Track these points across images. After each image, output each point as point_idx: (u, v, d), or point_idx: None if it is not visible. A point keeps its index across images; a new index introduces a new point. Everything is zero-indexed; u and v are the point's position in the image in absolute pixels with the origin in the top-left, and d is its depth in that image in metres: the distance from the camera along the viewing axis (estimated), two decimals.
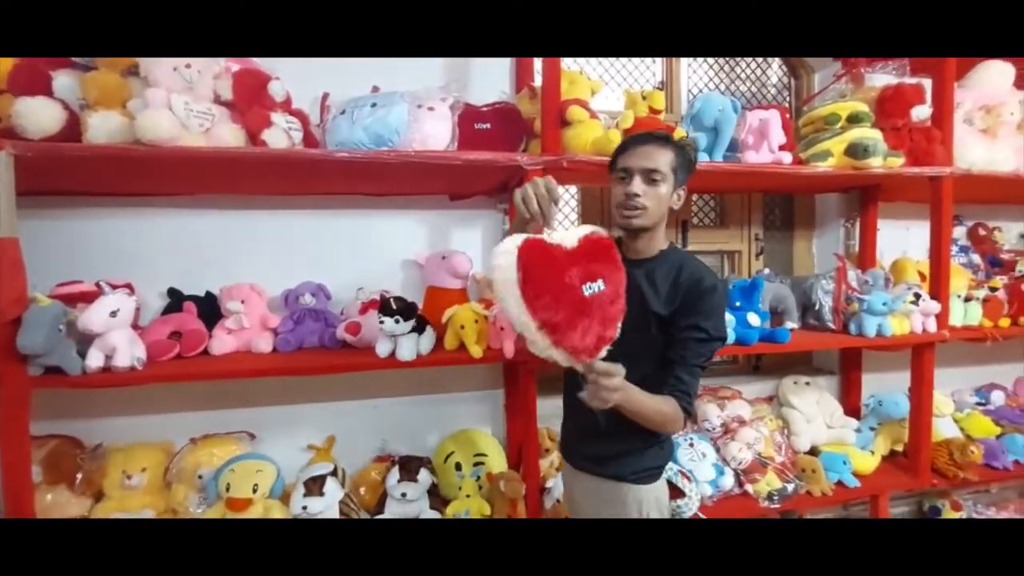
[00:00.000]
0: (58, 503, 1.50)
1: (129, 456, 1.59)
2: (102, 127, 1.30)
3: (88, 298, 1.40)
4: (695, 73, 2.31)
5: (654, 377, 1.06)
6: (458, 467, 1.72)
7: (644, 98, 1.62)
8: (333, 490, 1.51)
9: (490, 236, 1.87)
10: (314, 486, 1.50)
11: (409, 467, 1.61)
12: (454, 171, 1.52)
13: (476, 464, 1.74)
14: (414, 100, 1.55)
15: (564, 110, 1.53)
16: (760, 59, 2.41)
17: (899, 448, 2.14)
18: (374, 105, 1.50)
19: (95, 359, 1.33)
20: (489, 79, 1.85)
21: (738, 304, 1.79)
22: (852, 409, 2.22)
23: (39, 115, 1.28)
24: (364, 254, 1.77)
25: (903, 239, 2.28)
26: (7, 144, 1.23)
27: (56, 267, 1.50)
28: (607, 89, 1.91)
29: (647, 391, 1.01)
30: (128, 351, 1.36)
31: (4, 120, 1.29)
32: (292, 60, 1.63)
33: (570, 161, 1.50)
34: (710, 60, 2.35)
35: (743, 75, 2.41)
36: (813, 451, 2.03)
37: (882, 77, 2.10)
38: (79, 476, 1.55)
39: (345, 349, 1.60)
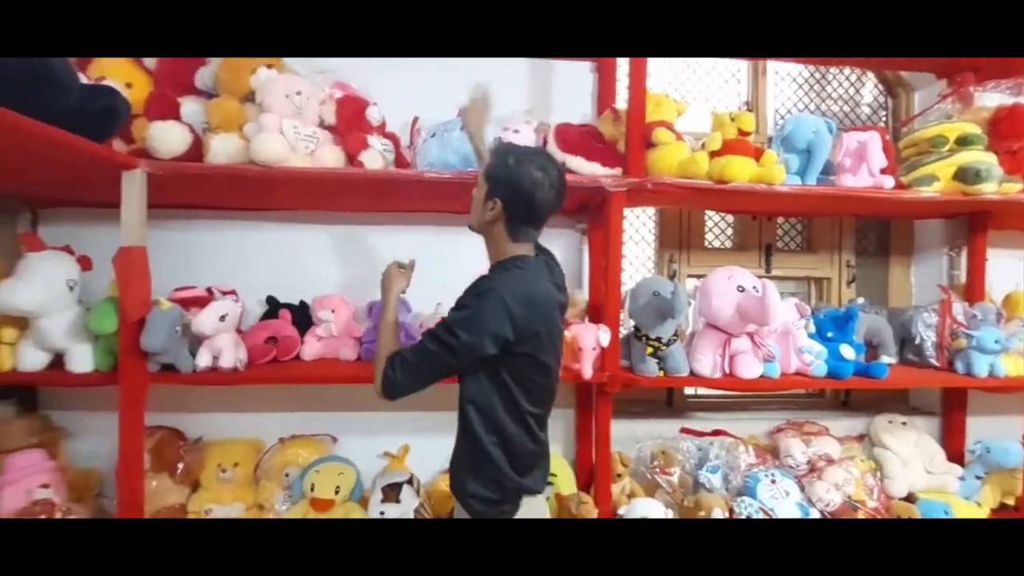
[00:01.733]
0: (161, 490, 1.63)
1: (224, 451, 1.71)
2: (222, 149, 1.43)
3: (200, 303, 1.53)
4: (782, 92, 2.23)
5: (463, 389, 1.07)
6: None
7: (732, 119, 1.58)
8: (409, 498, 1.56)
9: (567, 255, 1.88)
10: (391, 493, 1.55)
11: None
12: None
13: (545, 484, 1.73)
14: (500, 123, 1.60)
15: (649, 132, 1.53)
16: (853, 77, 2.29)
17: (1010, 501, 1.93)
18: (463, 128, 1.56)
19: (204, 359, 1.46)
20: (571, 102, 1.87)
21: (830, 335, 1.69)
22: (955, 454, 2.02)
23: (169, 137, 1.43)
24: (444, 269, 1.80)
25: (1016, 271, 2.08)
26: (141, 163, 1.38)
27: (171, 273, 1.65)
28: (691, 109, 1.88)
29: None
30: (233, 353, 1.48)
31: (139, 141, 1.45)
32: (385, 85, 1.75)
33: (655, 183, 1.49)
34: (798, 79, 2.26)
35: (834, 94, 2.30)
36: (909, 498, 1.87)
37: (994, 97, 1.94)
38: (180, 466, 1.68)
39: None
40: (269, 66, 1.50)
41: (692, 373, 1.58)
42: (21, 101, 0.95)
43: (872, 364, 1.69)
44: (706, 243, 2.13)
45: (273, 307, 1.74)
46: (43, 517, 1.39)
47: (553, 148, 1.57)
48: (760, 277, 1.58)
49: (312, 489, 1.56)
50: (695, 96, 2.19)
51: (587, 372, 1.49)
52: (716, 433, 1.86)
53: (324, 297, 1.71)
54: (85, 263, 1.49)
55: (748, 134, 1.59)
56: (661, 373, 1.57)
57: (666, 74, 2.16)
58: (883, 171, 1.65)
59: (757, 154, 1.57)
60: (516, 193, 1.03)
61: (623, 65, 1.89)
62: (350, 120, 1.54)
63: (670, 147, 1.51)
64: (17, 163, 1.23)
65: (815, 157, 1.64)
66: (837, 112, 2.29)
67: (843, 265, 2.16)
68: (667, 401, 2.08)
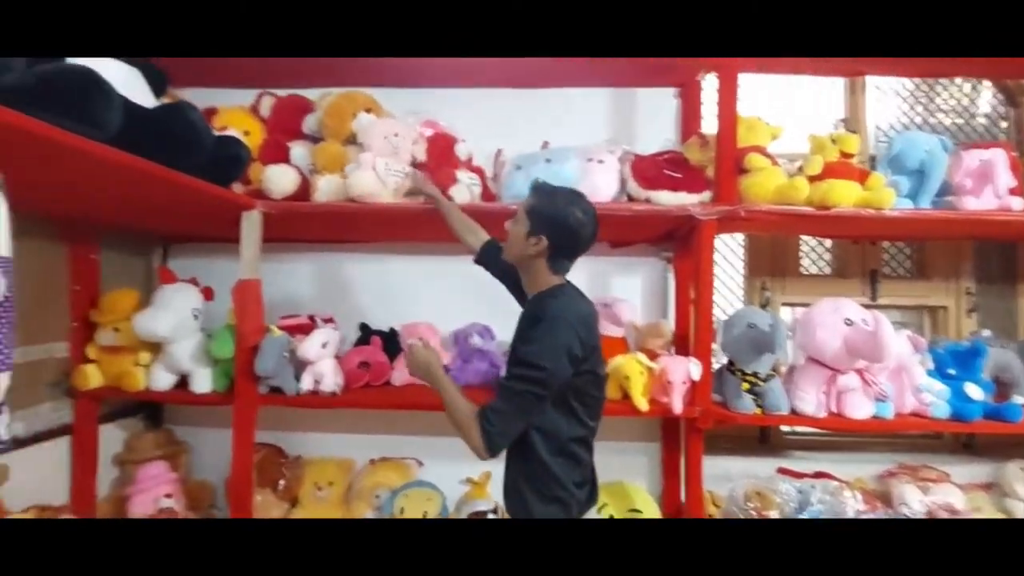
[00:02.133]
0: (264, 504, 1.74)
1: (320, 469, 1.81)
2: (326, 188, 1.55)
3: (303, 330, 1.65)
4: (884, 108, 2.09)
5: None
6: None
7: (834, 141, 1.50)
8: None
9: (651, 284, 1.85)
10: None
11: None
12: (621, 220, 1.54)
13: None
14: (584, 154, 1.61)
15: (741, 157, 1.48)
16: (967, 87, 2.10)
17: None
18: (548, 160, 1.59)
19: (307, 383, 1.56)
20: (653, 129, 1.86)
21: (951, 372, 1.53)
22: None
23: (281, 180, 1.56)
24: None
25: None
26: (258, 203, 1.52)
27: (274, 301, 1.78)
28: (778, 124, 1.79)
29: None
30: (332, 378, 1.57)
31: (254, 183, 1.60)
32: (470, 119, 1.83)
33: (748, 211, 1.43)
34: (902, 92, 2.11)
35: (944, 106, 2.12)
36: None
37: None
38: (281, 483, 1.79)
39: None
40: (368, 110, 1.61)
41: (793, 411, 1.48)
42: (173, 157, 1.08)
43: (1005, 405, 1.50)
44: (802, 269, 2.01)
45: (366, 334, 1.83)
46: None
47: (632, 185, 1.56)
48: (866, 306, 1.47)
49: (402, 512, 1.60)
50: (785, 115, 2.09)
51: (677, 407, 1.44)
52: (818, 475, 1.72)
53: (413, 325, 1.77)
54: (208, 294, 1.66)
55: (852, 156, 1.50)
56: (758, 410, 1.49)
57: (754, 96, 2.09)
58: (1012, 191, 1.49)
59: (862, 177, 1.47)
60: (561, 230, 1.08)
61: (707, 89, 1.87)
62: (439, 156, 1.62)
63: (765, 172, 1.45)
64: (161, 207, 1.40)
65: (929, 178, 1.51)
66: (949, 126, 2.10)
67: (961, 293, 1.95)
68: (760, 438, 1.96)
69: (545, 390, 1.01)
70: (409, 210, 1.52)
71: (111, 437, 1.76)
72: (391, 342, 1.80)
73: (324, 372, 1.56)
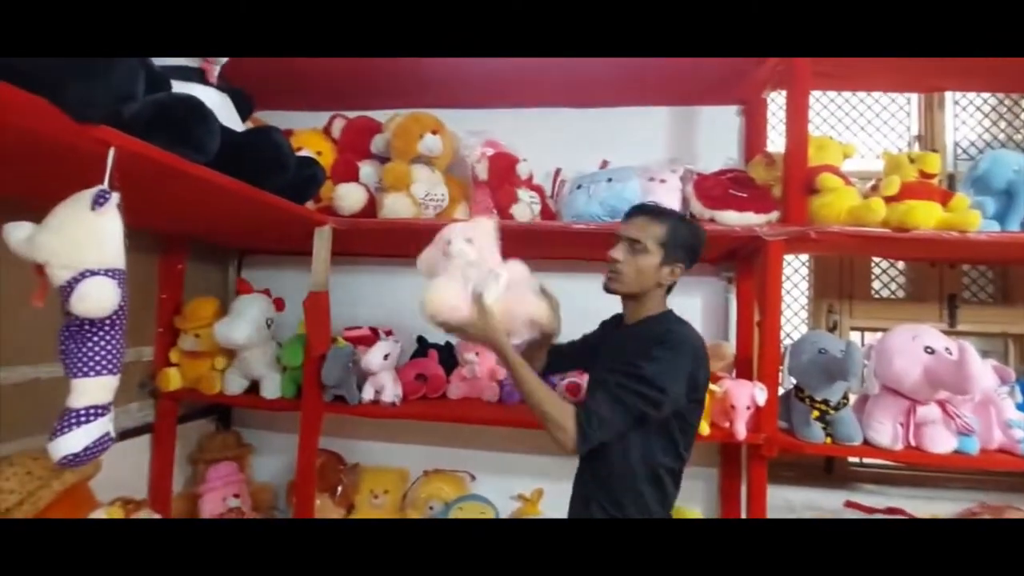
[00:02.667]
0: (323, 508, 1.79)
1: (376, 477, 1.86)
2: (392, 206, 1.61)
3: (365, 341, 1.71)
4: (964, 124, 1.98)
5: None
6: None
7: (912, 160, 1.43)
8: None
9: (712, 304, 1.81)
10: None
11: None
12: None
13: None
14: (646, 173, 1.61)
15: (811, 177, 1.44)
16: None
17: None
18: (610, 180, 1.59)
19: (368, 393, 1.61)
20: (715, 147, 1.83)
21: None
22: None
23: (351, 197, 1.63)
24: (585, 316, 1.84)
25: None
26: (329, 220, 1.59)
27: (337, 313, 1.85)
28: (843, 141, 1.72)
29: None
30: (392, 389, 1.61)
31: (325, 200, 1.68)
32: (530, 138, 1.86)
33: (819, 232, 1.39)
34: (984, 107, 2.00)
35: None
36: None
37: None
38: (339, 488, 1.85)
39: None
40: (434, 132, 1.67)
41: (866, 442, 1.41)
42: (260, 177, 1.16)
43: None
44: (873, 292, 1.92)
45: (423, 347, 1.88)
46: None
47: (696, 205, 1.54)
48: (943, 333, 1.39)
49: None
50: (854, 132, 2.02)
51: (740, 432, 1.40)
52: (890, 511, 1.62)
53: None
54: (279, 304, 1.75)
55: (932, 176, 1.43)
56: (828, 439, 1.42)
57: (822, 112, 2.03)
58: None
59: (943, 197, 1.40)
60: (694, 256, 1.10)
61: (772, 107, 1.83)
62: (501, 175, 1.65)
63: (838, 193, 1.40)
64: (245, 222, 1.50)
65: (1018, 199, 1.42)
66: None
67: None
68: (826, 468, 1.86)
69: (657, 411, 0.98)
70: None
71: (186, 437, 1.88)
72: (447, 355, 1.84)
73: (385, 383, 1.61)
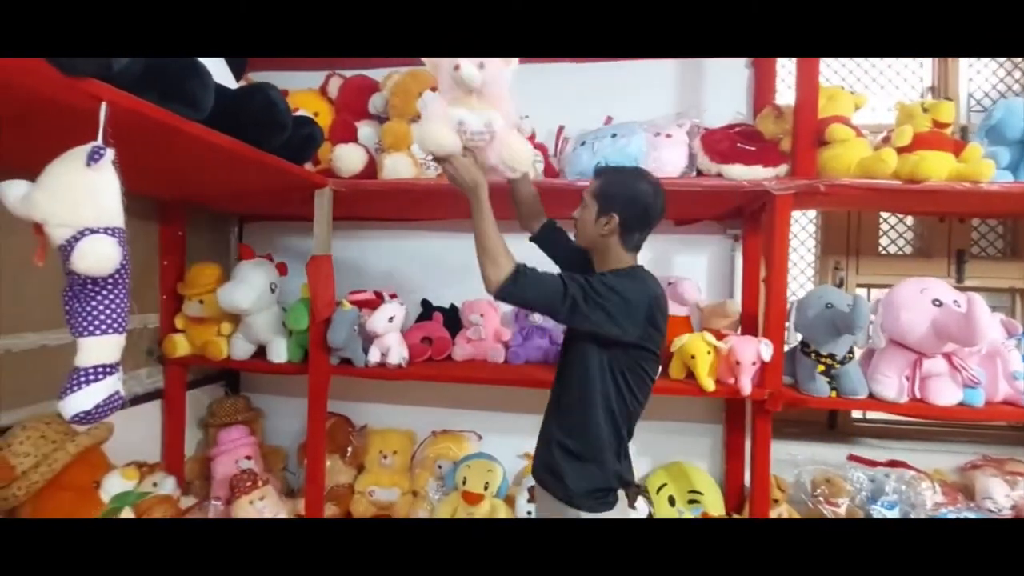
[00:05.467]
0: (333, 470, 1.83)
1: (385, 439, 1.88)
2: (393, 167, 1.58)
3: (370, 304, 1.70)
4: (978, 74, 1.92)
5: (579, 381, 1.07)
6: (671, 501, 1.67)
7: (925, 110, 1.39)
8: None
9: (717, 263, 1.80)
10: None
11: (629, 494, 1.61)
12: (689, 196, 1.49)
13: (690, 501, 1.66)
14: (652, 128, 1.57)
15: (821, 128, 1.40)
16: None
17: None
18: (614, 136, 1.55)
19: (374, 355, 1.61)
20: (723, 100, 1.78)
21: None
22: None
23: (350, 158, 1.60)
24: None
25: None
26: (330, 182, 1.57)
27: (341, 277, 1.85)
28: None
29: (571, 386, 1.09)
30: (398, 351, 1.62)
31: (323, 162, 1.65)
32: (531, 94, 1.79)
33: (828, 185, 1.36)
34: (998, 58, 1.93)
35: None
36: None
37: None
38: (349, 450, 1.88)
39: None
40: (433, 88, 1.62)
41: (871, 395, 1.42)
42: (256, 136, 1.13)
43: None
44: (880, 248, 1.90)
45: (427, 310, 1.88)
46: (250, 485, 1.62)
47: (703, 160, 1.50)
48: (955, 288, 1.38)
49: (464, 483, 1.65)
50: (868, 82, 1.96)
51: (746, 388, 1.40)
52: (892, 464, 1.65)
53: (474, 302, 1.80)
54: (282, 269, 1.74)
55: (946, 126, 1.39)
56: (833, 393, 1.43)
57: (833, 63, 1.96)
58: None
59: (956, 148, 1.37)
60: (631, 205, 1.07)
61: (781, 59, 1.77)
62: None
63: (848, 144, 1.37)
64: (244, 186, 1.47)
65: None
66: None
67: None
68: (829, 423, 1.89)
69: (587, 308, 0.99)
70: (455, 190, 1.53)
71: (197, 402, 1.90)
72: (452, 318, 1.84)
73: (391, 345, 1.61)
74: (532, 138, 1.69)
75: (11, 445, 1.23)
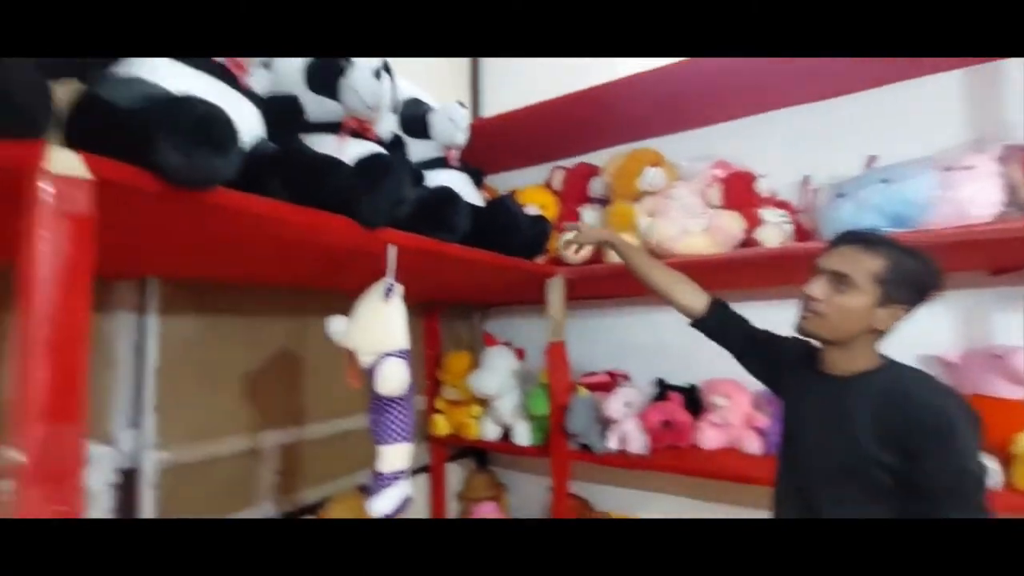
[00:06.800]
0: None
1: None
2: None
3: (604, 387, 1.68)
4: None
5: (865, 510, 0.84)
6: None
7: None
8: None
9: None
10: None
11: None
12: (1012, 240, 1.12)
13: None
14: (939, 163, 1.25)
15: None
16: None
17: None
18: (884, 181, 1.28)
19: (613, 442, 1.56)
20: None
21: None
22: None
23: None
24: None
25: None
26: (558, 270, 1.63)
27: (574, 353, 1.86)
28: None
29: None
30: (638, 439, 1.54)
31: (552, 252, 1.72)
32: (765, 149, 1.64)
33: None
34: None
35: None
36: None
37: None
38: None
39: None
40: (654, 165, 1.60)
41: None
42: (500, 243, 1.25)
43: None
44: None
45: (663, 389, 1.76)
46: None
47: None
48: None
49: None
50: None
51: None
52: None
53: (717, 381, 1.63)
54: (520, 354, 1.85)
55: None
56: None
57: None
58: None
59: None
60: (921, 295, 0.87)
61: None
62: (738, 198, 1.48)
63: None
64: (488, 283, 1.64)
65: None
66: None
67: None
68: None
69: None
70: (705, 261, 1.42)
71: (452, 475, 2.10)
72: (691, 399, 1.69)
73: (628, 431, 1.54)
74: (773, 197, 1.51)
75: (328, 514, 1.50)
